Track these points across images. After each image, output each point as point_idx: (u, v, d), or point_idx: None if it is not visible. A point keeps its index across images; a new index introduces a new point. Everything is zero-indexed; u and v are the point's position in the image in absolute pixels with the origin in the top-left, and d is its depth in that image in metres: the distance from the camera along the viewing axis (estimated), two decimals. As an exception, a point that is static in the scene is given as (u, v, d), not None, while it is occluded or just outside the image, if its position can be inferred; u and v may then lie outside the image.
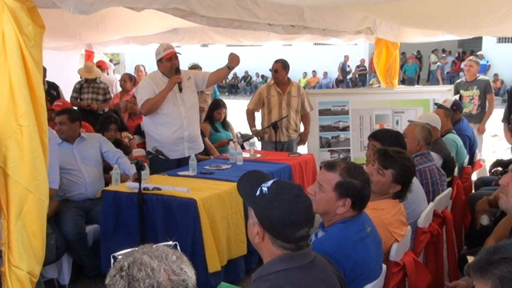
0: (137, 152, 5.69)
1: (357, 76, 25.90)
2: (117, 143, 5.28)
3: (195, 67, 7.35)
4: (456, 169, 4.61)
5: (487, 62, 22.62)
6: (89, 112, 7.10)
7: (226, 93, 26.34)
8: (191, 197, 3.86)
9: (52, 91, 6.89)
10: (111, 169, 4.58)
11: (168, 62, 5.04)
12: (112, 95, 7.79)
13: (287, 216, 1.84)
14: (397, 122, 7.21)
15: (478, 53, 22.03)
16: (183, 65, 5.37)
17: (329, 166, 2.46)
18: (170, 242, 1.62)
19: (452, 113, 5.41)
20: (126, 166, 4.61)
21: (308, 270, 1.88)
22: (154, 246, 1.53)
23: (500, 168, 5.08)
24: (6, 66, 2.46)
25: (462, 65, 19.98)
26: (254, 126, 6.63)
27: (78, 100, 7.37)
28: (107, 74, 9.16)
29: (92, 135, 4.92)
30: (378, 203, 2.80)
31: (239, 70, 27.97)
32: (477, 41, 22.51)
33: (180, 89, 5.05)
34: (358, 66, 25.94)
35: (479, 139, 6.73)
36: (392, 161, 2.95)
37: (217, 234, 3.96)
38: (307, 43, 10.27)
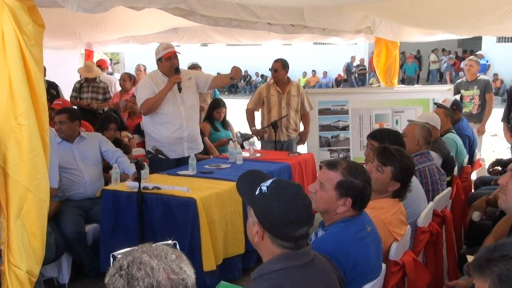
0: (137, 151, 5.66)
1: (356, 75, 25.89)
2: (117, 143, 5.28)
3: (194, 66, 7.35)
4: (455, 169, 4.62)
5: (487, 61, 22.62)
6: (88, 111, 7.10)
7: (226, 93, 26.34)
8: (190, 197, 3.86)
9: (51, 90, 6.88)
10: (110, 169, 4.58)
11: (168, 62, 5.04)
12: (111, 94, 7.78)
13: (286, 215, 1.85)
14: (396, 122, 7.22)
15: (478, 52, 22.03)
16: (183, 65, 5.38)
17: (330, 165, 2.46)
18: (170, 241, 1.62)
19: (452, 112, 5.41)
20: (125, 165, 4.61)
21: (307, 269, 1.88)
22: (153, 245, 1.53)
23: (499, 168, 5.09)
24: (6, 65, 2.46)
25: (462, 65, 20.03)
26: (254, 126, 6.63)
27: (78, 99, 7.36)
28: (109, 73, 9.15)
29: (91, 134, 4.92)
30: (377, 202, 2.80)
31: (238, 70, 27.96)
32: (477, 40, 22.52)
33: (180, 89, 5.05)
34: (357, 66, 25.95)
35: (479, 139, 6.73)
36: (391, 158, 2.95)
37: (214, 233, 3.96)
38: (306, 42, 10.27)
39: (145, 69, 9.32)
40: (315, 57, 25.67)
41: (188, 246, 3.76)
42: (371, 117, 7.28)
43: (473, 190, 5.27)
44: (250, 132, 6.69)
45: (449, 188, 3.97)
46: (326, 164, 2.52)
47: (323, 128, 7.20)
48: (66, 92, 7.51)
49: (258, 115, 6.66)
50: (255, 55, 25.63)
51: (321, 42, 10.12)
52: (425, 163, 3.90)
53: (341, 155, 7.15)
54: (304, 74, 26.51)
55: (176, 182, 4.31)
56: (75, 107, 6.66)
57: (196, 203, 3.81)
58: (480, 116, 7.17)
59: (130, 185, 4.14)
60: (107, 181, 4.70)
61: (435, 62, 25.45)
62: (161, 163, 4.79)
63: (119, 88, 8.25)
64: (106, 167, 4.86)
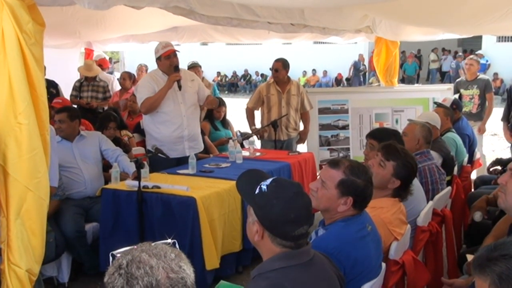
0: (137, 150, 5.69)
1: (362, 74, 25.89)
2: (117, 141, 5.28)
3: (194, 65, 7.34)
4: (455, 168, 4.62)
5: (487, 61, 22.61)
6: (88, 110, 7.09)
7: (226, 92, 26.36)
8: (190, 196, 3.86)
9: (51, 89, 6.87)
10: (110, 167, 4.58)
11: (167, 60, 5.03)
12: (111, 93, 7.78)
13: (286, 214, 1.85)
14: (396, 121, 7.22)
15: (478, 52, 22.02)
16: (183, 64, 5.37)
17: (333, 163, 2.46)
18: (169, 240, 1.62)
19: (452, 112, 5.41)
20: (125, 164, 4.61)
21: (307, 268, 1.88)
22: (152, 244, 1.53)
23: (499, 167, 5.09)
24: (6, 64, 2.46)
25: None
26: (254, 125, 6.63)
27: (78, 98, 7.36)
28: (109, 72, 9.13)
29: (91, 133, 4.92)
30: (377, 201, 2.80)
31: (238, 69, 28.02)
32: (477, 40, 22.51)
33: (180, 87, 5.04)
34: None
35: (479, 138, 6.73)
36: (395, 154, 2.96)
37: (215, 232, 3.97)
38: (306, 41, 10.27)
39: (147, 69, 9.31)
40: (315, 56, 25.66)
41: (188, 245, 3.76)
42: (371, 116, 7.29)
43: (473, 190, 5.27)
44: (250, 131, 6.68)
45: (449, 188, 3.97)
46: (328, 162, 2.52)
47: (323, 127, 7.20)
48: (66, 91, 7.51)
49: (258, 114, 6.66)
50: (255, 54, 25.63)
51: (321, 41, 10.11)
52: (425, 163, 3.90)
53: (341, 154, 7.16)
54: (304, 73, 26.51)
55: (176, 181, 4.31)
56: (75, 106, 6.66)
57: (196, 202, 3.81)
58: (480, 115, 7.17)
59: (130, 184, 4.14)
60: (107, 180, 4.70)
61: (434, 61, 25.44)
62: (162, 162, 4.80)
63: (117, 87, 8.25)
64: (106, 166, 4.86)
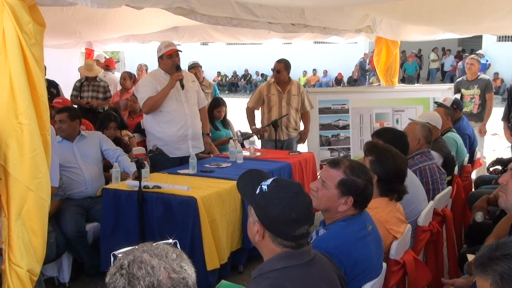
0: (137, 150, 5.69)
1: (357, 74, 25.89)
2: (117, 141, 5.27)
3: (195, 65, 7.34)
4: (456, 168, 4.62)
5: (487, 61, 22.60)
6: (89, 110, 7.09)
7: (226, 92, 26.35)
8: (191, 196, 3.87)
9: (52, 89, 6.87)
10: (111, 167, 4.58)
11: (169, 59, 5.04)
12: (112, 93, 7.78)
13: (287, 213, 1.85)
14: (397, 121, 7.22)
15: (478, 51, 22.01)
16: (184, 64, 5.38)
17: (333, 163, 2.46)
18: (170, 240, 1.62)
19: (452, 111, 5.41)
20: (126, 164, 4.61)
21: (308, 268, 1.88)
22: (154, 244, 1.53)
23: (499, 167, 5.08)
24: (7, 64, 2.46)
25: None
26: (254, 125, 6.63)
27: (78, 98, 7.36)
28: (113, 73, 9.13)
29: (92, 133, 4.92)
30: (371, 202, 2.78)
31: (239, 69, 28.02)
32: (477, 39, 22.49)
33: (182, 86, 5.05)
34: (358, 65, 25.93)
35: (480, 139, 6.72)
36: (372, 149, 2.96)
37: (217, 232, 3.97)
38: (307, 41, 10.26)
39: (146, 69, 9.32)
40: (316, 56, 25.66)
41: (189, 245, 3.76)
42: (372, 116, 7.29)
43: (473, 189, 5.27)
44: (250, 131, 6.68)
45: (450, 187, 3.97)
46: (329, 162, 2.52)
47: (323, 127, 7.21)
48: (67, 91, 7.51)
49: (258, 114, 6.66)
50: (255, 54, 25.65)
51: (321, 41, 10.11)
52: (426, 162, 3.89)
53: (341, 154, 7.15)
54: (305, 73, 26.51)
55: (176, 181, 4.31)
56: (75, 106, 6.66)
57: (196, 202, 3.81)
58: (481, 116, 7.16)
59: (130, 184, 4.14)
60: (108, 180, 4.70)
61: (435, 61, 25.44)
62: (165, 162, 4.80)
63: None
64: (107, 166, 4.86)
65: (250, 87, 26.80)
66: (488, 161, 5.88)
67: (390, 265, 2.62)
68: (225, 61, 27.31)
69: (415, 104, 7.31)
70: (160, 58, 5.11)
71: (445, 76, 24.41)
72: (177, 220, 3.88)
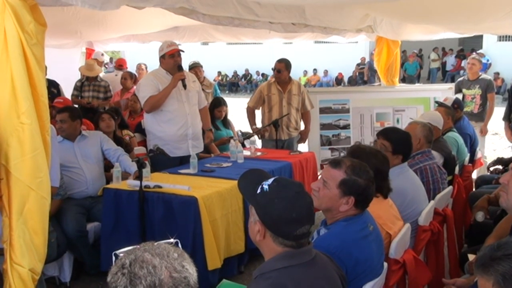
0: (138, 150, 5.69)
1: (357, 74, 25.87)
2: (118, 141, 5.28)
3: (196, 65, 7.34)
4: (457, 168, 4.61)
5: (488, 60, 22.59)
6: (89, 110, 7.10)
7: (227, 91, 26.35)
8: (192, 195, 3.87)
9: (52, 89, 6.88)
10: (112, 167, 4.58)
11: (171, 59, 5.04)
12: (112, 93, 7.78)
13: (288, 213, 1.85)
14: (397, 120, 7.23)
15: (479, 51, 22.00)
16: (184, 63, 5.38)
17: (334, 163, 2.46)
18: (172, 240, 1.62)
19: (453, 111, 5.40)
20: (127, 164, 4.62)
21: (309, 268, 1.89)
22: (155, 243, 1.53)
23: (500, 167, 5.08)
24: (8, 64, 2.46)
25: (463, 63, 19.99)
26: (255, 124, 6.64)
27: (79, 98, 7.36)
28: (109, 71, 9.13)
29: (93, 133, 4.92)
30: None
31: (239, 68, 28.02)
32: (478, 39, 22.48)
33: (184, 86, 5.05)
34: (358, 64, 25.92)
35: (481, 139, 6.71)
36: (351, 150, 2.97)
37: (217, 232, 3.97)
38: (307, 41, 10.26)
39: (146, 68, 9.32)
40: (316, 55, 25.67)
41: (190, 245, 3.76)
42: (372, 116, 7.30)
43: (474, 189, 5.27)
44: (251, 131, 6.69)
45: (450, 187, 3.97)
46: (330, 162, 2.52)
47: (324, 126, 7.21)
48: (67, 91, 7.51)
49: (259, 113, 6.66)
50: (256, 54, 25.64)
51: (322, 40, 10.12)
52: (426, 162, 3.90)
53: (342, 154, 7.15)
54: (305, 72, 26.51)
55: (177, 180, 4.31)
56: (76, 106, 6.66)
57: (197, 202, 3.81)
58: (482, 115, 7.15)
59: (131, 184, 4.14)
60: (109, 180, 4.70)
61: (435, 60, 25.43)
62: (165, 162, 4.80)
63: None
64: (108, 166, 4.86)
65: (251, 87, 26.80)
66: (489, 160, 5.88)
67: (390, 264, 2.62)
68: (226, 61, 27.31)
69: (415, 104, 7.31)
70: (162, 57, 5.11)
71: (446, 76, 24.38)
72: (178, 220, 3.88)
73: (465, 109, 6.54)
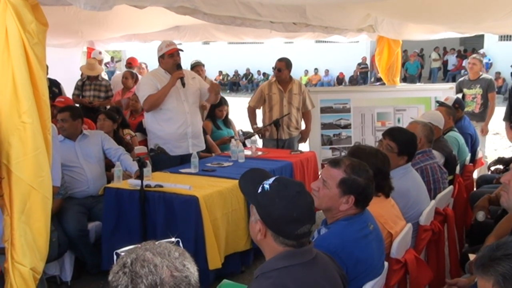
0: (139, 149, 5.70)
1: (358, 74, 25.88)
2: (119, 140, 5.28)
3: (197, 64, 7.34)
4: (457, 167, 4.61)
5: (489, 60, 22.58)
6: (90, 109, 7.10)
7: (228, 91, 26.37)
8: (193, 195, 3.87)
9: (53, 88, 6.88)
10: (113, 167, 4.59)
11: (170, 59, 5.05)
12: (113, 92, 7.78)
13: (288, 212, 1.85)
14: (398, 120, 7.23)
15: (480, 51, 21.98)
16: (185, 63, 5.39)
17: (333, 162, 2.46)
18: (173, 239, 1.62)
19: (454, 111, 5.40)
20: (128, 163, 4.63)
21: (310, 267, 1.89)
22: (156, 242, 1.54)
23: (501, 166, 5.08)
24: (10, 63, 2.47)
25: (464, 63, 19.97)
26: (255, 124, 6.64)
27: (80, 97, 7.37)
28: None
29: (94, 132, 4.93)
30: None
31: (240, 68, 28.02)
32: (479, 39, 22.47)
33: (183, 84, 5.06)
34: (359, 64, 25.92)
35: (482, 139, 6.71)
36: (351, 150, 2.97)
37: (218, 231, 3.97)
38: (308, 40, 10.26)
39: (146, 67, 9.32)
40: (317, 55, 25.67)
41: (192, 244, 3.76)
42: (373, 115, 7.29)
43: (475, 189, 5.26)
44: (252, 130, 6.69)
45: (451, 187, 3.97)
46: (329, 161, 2.52)
47: (325, 126, 7.21)
48: (69, 90, 7.51)
49: (259, 113, 6.66)
50: (257, 53, 25.65)
51: (323, 40, 10.11)
52: (427, 161, 3.90)
53: (343, 153, 7.15)
54: (306, 72, 26.51)
55: (178, 180, 4.32)
56: (77, 105, 6.67)
57: (198, 201, 3.82)
58: (483, 115, 7.15)
59: (132, 183, 4.15)
60: (110, 179, 4.70)
61: (436, 60, 25.42)
62: (165, 161, 4.81)
63: None
64: (109, 165, 4.87)
65: (252, 86, 26.80)
66: (490, 160, 5.88)
67: (391, 264, 2.63)
68: (227, 60, 27.30)
69: (416, 103, 7.31)
70: (161, 57, 5.12)
71: (447, 75, 24.36)
72: (179, 219, 3.89)
73: (466, 109, 6.54)
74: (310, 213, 1.91)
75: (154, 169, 4.62)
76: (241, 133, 7.36)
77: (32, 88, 2.55)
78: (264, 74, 26.95)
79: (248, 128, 7.22)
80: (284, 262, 1.86)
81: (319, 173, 5.29)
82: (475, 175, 5.91)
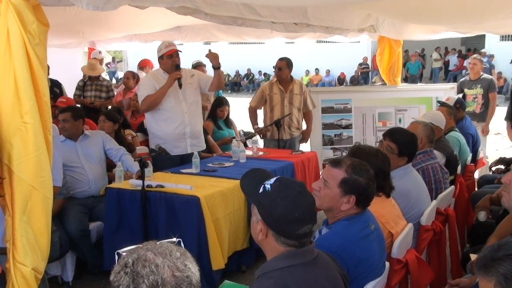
0: (140, 149, 5.67)
1: (359, 74, 25.87)
2: (120, 141, 5.28)
3: (198, 64, 7.35)
4: (459, 167, 4.61)
5: (487, 58, 22.53)
6: (92, 109, 7.11)
7: (229, 91, 26.36)
8: (194, 195, 3.87)
9: (55, 88, 6.89)
10: (114, 167, 4.59)
11: (169, 59, 5.06)
12: (114, 93, 7.79)
13: (290, 212, 1.85)
14: (399, 120, 7.22)
15: (482, 50, 21.96)
16: (186, 63, 5.39)
17: (334, 162, 2.47)
18: (174, 239, 1.63)
19: (455, 111, 5.40)
20: (129, 163, 4.63)
21: (311, 267, 1.89)
22: (158, 242, 1.54)
23: (502, 166, 5.07)
24: (11, 64, 2.47)
25: (465, 63, 19.96)
26: (257, 124, 6.64)
27: (81, 97, 7.37)
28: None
29: (95, 133, 4.93)
30: None
31: (241, 68, 28.01)
32: (480, 39, 22.44)
33: (180, 85, 5.07)
34: (360, 64, 25.92)
35: (483, 139, 6.70)
36: (351, 151, 2.96)
37: (220, 231, 3.97)
38: (309, 40, 10.25)
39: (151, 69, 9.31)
40: (318, 55, 25.66)
41: (194, 245, 3.76)
42: (374, 115, 7.29)
43: (476, 189, 5.26)
44: (253, 131, 6.69)
45: (452, 187, 3.97)
46: (330, 161, 2.53)
47: (326, 126, 7.21)
48: (70, 91, 7.52)
49: (260, 113, 6.66)
50: (258, 54, 25.63)
51: (324, 40, 10.10)
52: (428, 162, 3.89)
53: (344, 154, 7.14)
54: (307, 72, 26.50)
55: (179, 180, 4.32)
56: (79, 105, 6.67)
57: (199, 201, 3.82)
58: (484, 115, 7.14)
59: (133, 183, 4.15)
60: (111, 179, 4.71)
61: (437, 60, 25.40)
62: (165, 161, 4.81)
63: None
64: (110, 166, 4.87)
65: (253, 87, 26.80)
66: (491, 160, 5.87)
67: (392, 264, 2.63)
68: (228, 61, 27.06)
69: (417, 103, 7.30)
70: (161, 58, 5.13)
71: (448, 75, 24.35)
72: (180, 219, 3.89)
73: (467, 109, 6.53)
74: (311, 213, 1.91)
75: (154, 169, 4.62)
76: (242, 133, 7.35)
77: (33, 89, 2.56)
78: (265, 74, 26.95)
79: (249, 128, 7.22)
80: (285, 262, 1.86)
81: (320, 173, 5.30)
82: (476, 175, 5.90)
